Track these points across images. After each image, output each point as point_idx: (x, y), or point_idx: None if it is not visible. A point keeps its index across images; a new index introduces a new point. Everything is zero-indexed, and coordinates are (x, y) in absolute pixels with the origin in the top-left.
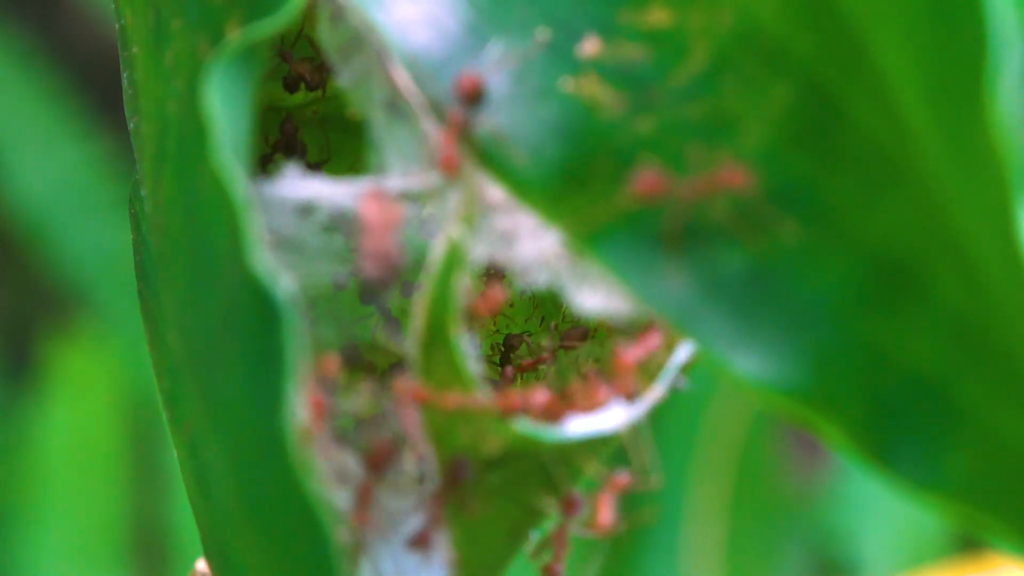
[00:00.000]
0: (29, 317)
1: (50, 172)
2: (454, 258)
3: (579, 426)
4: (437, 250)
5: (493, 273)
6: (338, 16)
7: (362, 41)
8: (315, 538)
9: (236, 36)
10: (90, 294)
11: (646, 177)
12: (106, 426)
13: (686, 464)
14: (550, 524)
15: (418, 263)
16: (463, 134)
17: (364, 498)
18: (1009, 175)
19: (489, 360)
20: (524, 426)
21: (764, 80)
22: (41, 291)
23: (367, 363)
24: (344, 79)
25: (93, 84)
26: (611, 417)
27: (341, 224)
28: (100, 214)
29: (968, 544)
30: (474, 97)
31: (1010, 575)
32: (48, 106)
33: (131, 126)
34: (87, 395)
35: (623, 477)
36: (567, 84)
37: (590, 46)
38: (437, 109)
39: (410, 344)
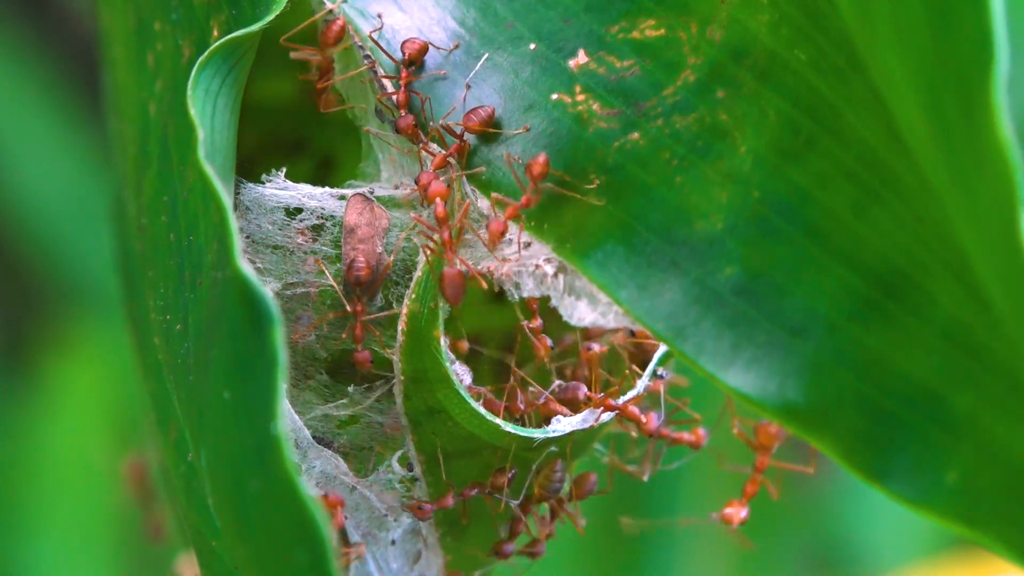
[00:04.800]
0: (28, 319)
1: (50, 172)
2: (439, 265)
3: (566, 424)
4: (423, 257)
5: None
6: (332, 24)
7: (353, 50)
8: (304, 537)
9: (219, 39)
10: (89, 295)
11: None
12: (105, 427)
13: (686, 464)
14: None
15: (404, 268)
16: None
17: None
18: (1012, 186)
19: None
20: (512, 425)
21: (757, 93)
22: (40, 292)
23: (352, 367)
24: (339, 86)
25: (94, 85)
26: (595, 413)
27: (327, 228)
28: (100, 214)
29: (968, 542)
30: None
31: (1010, 572)
32: (48, 107)
33: (112, 127)
34: (86, 395)
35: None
36: (557, 98)
37: (581, 60)
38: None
39: (396, 348)
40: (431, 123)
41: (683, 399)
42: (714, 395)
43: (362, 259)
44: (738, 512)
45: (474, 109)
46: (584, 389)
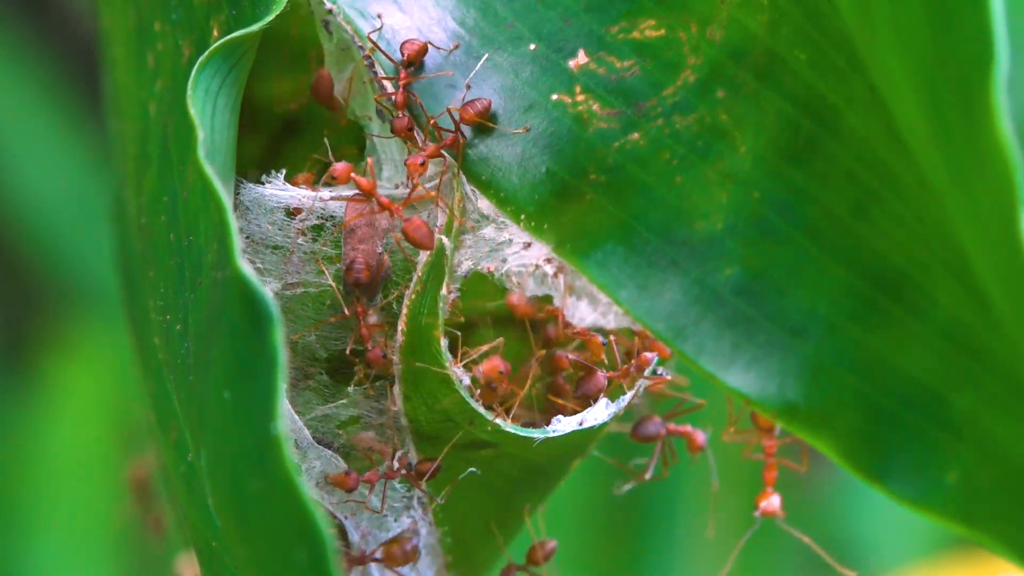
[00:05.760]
0: (28, 319)
1: (50, 172)
2: (439, 265)
3: (566, 424)
4: (423, 257)
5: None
6: (329, 24)
7: (352, 49)
8: (304, 537)
9: (219, 39)
10: (89, 295)
11: None
12: (105, 427)
13: (686, 463)
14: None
15: (404, 268)
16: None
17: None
18: (1012, 186)
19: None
20: (512, 426)
21: (757, 93)
22: (40, 292)
23: (351, 367)
24: (336, 86)
25: (94, 85)
26: (595, 413)
27: (327, 228)
28: (100, 214)
29: (968, 542)
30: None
31: (1010, 572)
32: (48, 107)
33: (112, 127)
34: (86, 395)
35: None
36: (557, 98)
37: (581, 60)
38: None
39: (396, 348)
40: (427, 120)
41: (685, 392)
42: (714, 394)
43: (361, 260)
44: (771, 501)
45: (470, 101)
46: (602, 374)
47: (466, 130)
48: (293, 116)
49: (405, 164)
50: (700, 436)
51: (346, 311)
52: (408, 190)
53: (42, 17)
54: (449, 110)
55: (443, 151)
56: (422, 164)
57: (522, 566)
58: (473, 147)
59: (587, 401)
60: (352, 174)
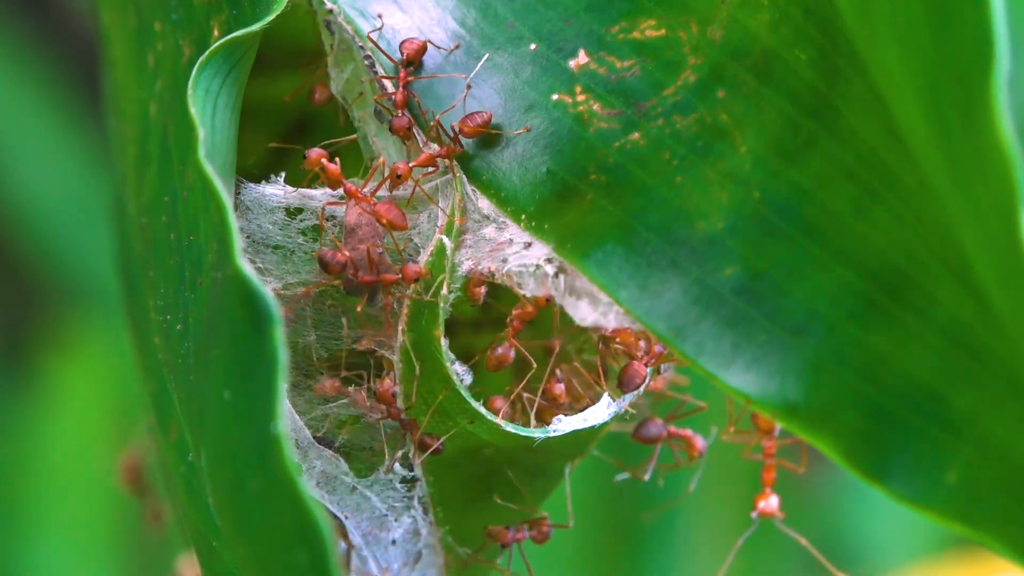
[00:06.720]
0: (28, 319)
1: (50, 172)
2: (439, 264)
3: (567, 423)
4: (424, 257)
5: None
6: (330, 23)
7: (352, 49)
8: (304, 537)
9: (219, 39)
10: (89, 295)
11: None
12: (105, 427)
13: (686, 464)
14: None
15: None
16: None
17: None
18: (1012, 186)
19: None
20: (513, 425)
21: (757, 93)
22: (40, 292)
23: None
24: (336, 86)
25: (94, 85)
26: (596, 412)
27: (328, 228)
28: (100, 214)
29: (968, 541)
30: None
31: (1010, 572)
32: (48, 107)
33: (112, 127)
34: (86, 395)
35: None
36: (558, 98)
37: (581, 60)
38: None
39: (396, 348)
40: (429, 121)
41: (686, 394)
42: (714, 395)
43: (327, 252)
44: (769, 502)
45: (470, 114)
46: (639, 363)
47: (467, 142)
48: (302, 116)
49: (391, 169)
50: (700, 441)
51: (340, 282)
52: (408, 193)
53: (42, 17)
54: (452, 125)
55: (436, 159)
56: (399, 177)
57: (534, 523)
58: (475, 155)
59: (632, 390)
60: (323, 160)
